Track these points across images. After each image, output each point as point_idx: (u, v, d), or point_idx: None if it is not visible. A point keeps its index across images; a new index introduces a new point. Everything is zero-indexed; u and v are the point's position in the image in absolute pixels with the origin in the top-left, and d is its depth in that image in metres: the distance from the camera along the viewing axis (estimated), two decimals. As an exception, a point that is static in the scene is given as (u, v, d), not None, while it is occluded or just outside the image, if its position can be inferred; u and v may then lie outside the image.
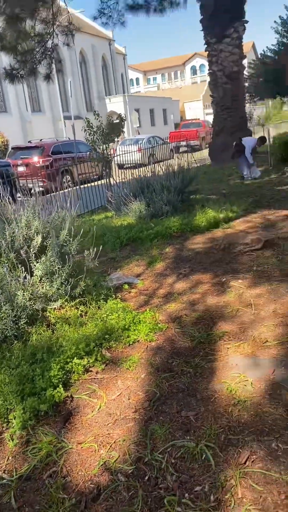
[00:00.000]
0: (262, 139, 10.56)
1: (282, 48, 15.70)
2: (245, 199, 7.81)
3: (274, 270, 4.17)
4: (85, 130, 9.59)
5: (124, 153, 13.76)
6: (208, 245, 5.33)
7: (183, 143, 22.64)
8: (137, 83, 69.28)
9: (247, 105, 18.64)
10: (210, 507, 1.84)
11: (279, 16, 16.03)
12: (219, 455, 2.10)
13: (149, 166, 12.05)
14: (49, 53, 10.74)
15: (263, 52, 17.45)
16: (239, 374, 2.69)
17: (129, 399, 2.64)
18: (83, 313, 3.61)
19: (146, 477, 2.06)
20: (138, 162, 15.81)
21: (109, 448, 2.28)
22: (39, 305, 3.41)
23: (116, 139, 10.30)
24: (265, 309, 3.45)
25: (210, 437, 2.22)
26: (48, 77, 11.40)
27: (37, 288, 3.48)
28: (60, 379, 2.78)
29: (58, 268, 3.49)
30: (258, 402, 2.41)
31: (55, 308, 3.56)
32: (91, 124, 9.55)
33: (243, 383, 2.59)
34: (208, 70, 15.19)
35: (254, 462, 2.03)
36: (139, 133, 34.06)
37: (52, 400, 2.63)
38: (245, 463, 2.03)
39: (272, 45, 16.81)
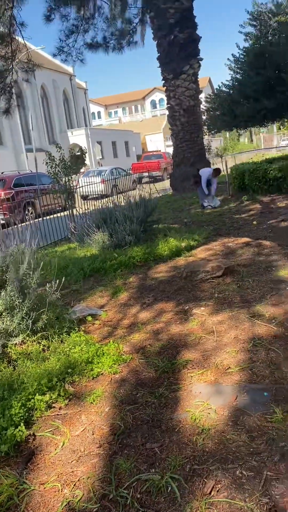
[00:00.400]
0: (216, 171, 10.91)
1: (236, 83, 16.50)
2: (206, 227, 8.01)
3: (235, 297, 4.26)
4: (46, 163, 9.65)
5: (88, 185, 13.89)
6: (171, 273, 5.40)
7: (146, 174, 23.10)
8: (99, 116, 70.63)
9: (205, 137, 19.31)
10: None
11: (232, 54, 16.87)
12: (184, 487, 2.08)
13: (112, 197, 12.19)
14: (8, 88, 10.85)
15: (218, 87, 18.27)
16: (202, 402, 2.70)
17: (93, 434, 2.59)
18: (45, 348, 3.55)
19: (111, 515, 2.01)
20: (102, 193, 15.98)
21: (73, 487, 2.21)
22: (0, 341, 3.33)
23: (80, 171, 10.39)
24: (227, 335, 3.50)
25: (175, 468, 2.20)
26: (7, 112, 11.47)
27: (-3, 323, 3.40)
28: (22, 417, 2.70)
29: (19, 302, 3.44)
30: (222, 430, 2.42)
31: (16, 344, 3.48)
32: (52, 157, 9.63)
33: (207, 411, 2.60)
34: (167, 104, 15.75)
35: (219, 491, 2.03)
36: (101, 165, 34.52)
37: (13, 440, 2.54)
38: (210, 493, 2.02)
39: (227, 80, 17.61)
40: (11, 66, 10.24)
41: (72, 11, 12.65)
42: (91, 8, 12.99)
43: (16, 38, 10.82)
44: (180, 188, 14.99)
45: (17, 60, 10.50)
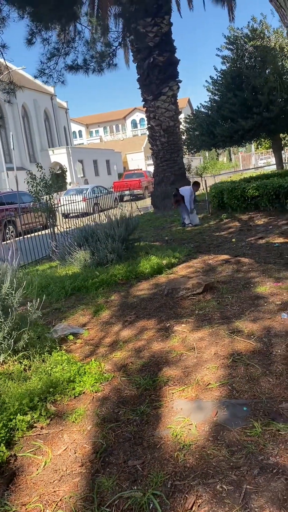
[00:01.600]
0: (196, 184, 11.22)
1: (214, 104, 16.94)
2: (186, 245, 8.12)
3: (215, 313, 4.34)
4: (27, 182, 9.70)
5: (69, 203, 13.94)
6: (152, 291, 5.46)
7: (127, 192, 23.31)
8: (80, 135, 71.18)
9: (185, 156, 19.67)
10: None
11: (210, 76, 17.38)
12: (166, 503, 2.11)
13: (94, 215, 12.26)
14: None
15: (197, 108, 18.70)
16: (183, 418, 2.73)
17: (75, 452, 2.59)
18: (26, 367, 3.54)
19: (94, 534, 2.02)
20: (83, 211, 16.04)
21: (55, 507, 2.21)
22: (-19, 361, 3.32)
23: (62, 189, 10.45)
24: (207, 351, 3.56)
25: (157, 485, 2.22)
26: (-11, 131, 11.48)
27: (-22, 343, 3.39)
28: (3, 438, 2.69)
29: (0, 322, 3.44)
30: (203, 445, 2.46)
31: (-3, 364, 3.47)
32: (33, 176, 9.69)
33: (187, 427, 2.64)
34: (147, 124, 16.05)
35: (200, 506, 2.05)
36: (87, 183, 34.69)
37: (-6, 461, 2.53)
38: (191, 508, 2.05)
39: (205, 101, 18.08)
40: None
41: (53, 35, 12.88)
42: (72, 32, 13.25)
43: (-2, 60, 10.98)
44: (161, 206, 15.18)
45: (-2, 81, 10.62)
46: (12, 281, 3.58)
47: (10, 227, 14.36)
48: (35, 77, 13.41)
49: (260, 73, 15.66)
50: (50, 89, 43.80)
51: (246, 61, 16.83)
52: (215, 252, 7.15)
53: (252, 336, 3.68)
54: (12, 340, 3.45)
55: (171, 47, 15.16)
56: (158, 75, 14.79)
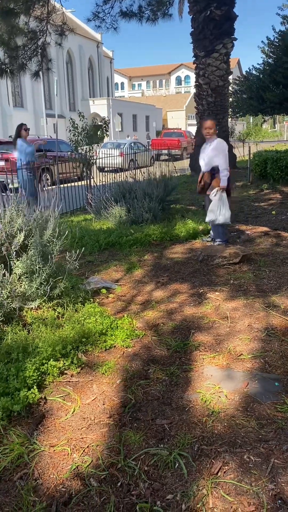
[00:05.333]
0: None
1: (267, 67, 16.08)
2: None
3: (250, 285, 4.26)
4: (69, 131, 9.55)
5: (106, 157, 13.76)
6: (186, 255, 5.40)
7: (165, 151, 22.82)
8: (122, 88, 69.54)
9: (229, 120, 18.98)
10: (181, 516, 1.87)
11: (267, 37, 16.39)
12: (192, 465, 2.13)
13: (130, 172, 12.09)
14: (40, 50, 10.65)
15: (248, 70, 17.81)
16: (213, 385, 2.73)
17: (103, 404, 2.64)
18: (60, 315, 3.59)
19: (119, 483, 2.07)
20: (119, 166, 15.85)
21: (82, 453, 2.27)
22: (16, 304, 3.38)
23: (103, 141, 10.26)
24: (241, 322, 3.52)
25: (183, 446, 2.25)
26: (37, 74, 11.29)
27: (15, 286, 3.44)
28: (35, 380, 2.76)
29: (39, 267, 3.46)
30: (232, 414, 2.46)
31: (32, 308, 3.53)
32: (76, 125, 9.52)
33: (217, 394, 2.64)
34: (195, 82, 15.43)
35: (226, 473, 2.07)
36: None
37: (26, 401, 2.60)
38: (217, 473, 2.07)
39: (258, 64, 17.18)
40: (45, 27, 10.00)
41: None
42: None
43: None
44: (199, 169, 14.84)
45: (51, 21, 10.24)
46: (55, 229, 3.57)
47: (47, 174, 14.33)
48: (88, 20, 12.90)
49: None
50: (97, 36, 42.52)
51: (309, 23, 15.78)
52: (253, 223, 6.98)
53: (288, 313, 3.61)
54: (49, 287, 3.48)
55: (230, 1, 14.27)
56: (213, 30, 14.02)
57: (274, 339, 3.22)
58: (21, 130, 7.98)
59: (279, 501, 1.89)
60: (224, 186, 5.33)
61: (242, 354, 3.06)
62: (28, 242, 3.61)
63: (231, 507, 1.89)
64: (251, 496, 1.93)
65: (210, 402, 2.56)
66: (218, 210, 5.35)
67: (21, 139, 8.01)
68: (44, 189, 8.56)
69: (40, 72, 11.96)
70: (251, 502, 1.91)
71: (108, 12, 12.64)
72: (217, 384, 2.74)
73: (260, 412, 2.46)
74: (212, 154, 5.34)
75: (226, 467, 2.10)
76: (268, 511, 1.85)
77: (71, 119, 9.80)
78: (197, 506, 1.91)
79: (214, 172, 5.43)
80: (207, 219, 5.59)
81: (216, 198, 5.34)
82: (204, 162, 5.51)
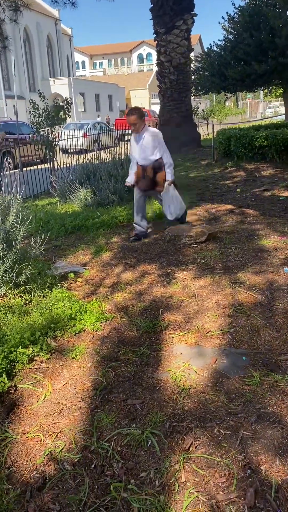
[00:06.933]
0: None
1: (228, 44, 16.00)
2: (189, 192, 7.96)
3: (217, 263, 4.32)
4: (29, 112, 9.28)
5: (69, 138, 13.48)
6: (154, 236, 5.40)
7: (129, 131, 22.58)
8: (83, 67, 67.89)
9: (192, 98, 18.90)
10: (155, 492, 1.91)
11: (227, 13, 16.27)
12: (164, 442, 2.17)
13: (94, 153, 11.90)
14: (-6, 28, 10.21)
15: (209, 47, 17.68)
16: (183, 363, 2.77)
17: (75, 388, 2.64)
18: (27, 302, 3.54)
19: (93, 465, 2.09)
20: (83, 147, 15.57)
21: (54, 438, 2.27)
22: (-19, 293, 3.30)
23: (62, 123, 10.03)
24: (208, 300, 3.57)
25: (155, 424, 2.28)
26: (-8, 53, 10.83)
27: (-21, 275, 3.35)
28: (4, 369, 2.72)
29: (3, 254, 3.38)
30: (202, 390, 2.51)
31: (-2, 296, 3.46)
32: (36, 106, 9.26)
33: (187, 372, 2.68)
34: (156, 60, 15.24)
35: (197, 447, 2.12)
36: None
37: (-5, 390, 2.57)
38: (188, 449, 2.11)
39: (219, 40, 17.07)
40: (-2, 4, 9.57)
41: None
42: None
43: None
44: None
45: (4, -3, 9.81)
46: (17, 214, 3.49)
47: (8, 158, 13.94)
48: (43, -5, 12.42)
49: (280, 14, 14.68)
50: (55, 12, 41.12)
51: (267, -2, 15.73)
52: (219, 201, 7.04)
53: (254, 288, 3.68)
54: (14, 274, 3.42)
55: (190, -25, 14.08)
56: (173, 5, 13.84)
57: (240, 314, 3.28)
58: None
59: (249, 471, 1.95)
60: (173, 179, 5.15)
61: (210, 331, 3.11)
62: (-10, 229, 3.51)
63: (203, 479, 1.95)
64: (222, 468, 1.99)
65: (180, 380, 2.60)
66: (175, 205, 5.20)
67: None
68: (5, 173, 8.33)
69: (1, 52, 11.49)
70: (222, 474, 1.96)
71: (65, -13, 12.19)
72: (187, 361, 2.78)
73: (228, 387, 2.52)
74: (150, 147, 4.97)
75: (197, 442, 2.15)
76: (239, 481, 1.91)
77: (31, 100, 9.53)
78: (170, 481, 1.95)
79: (154, 166, 5.06)
80: (171, 218, 5.29)
81: (169, 193, 5.15)
82: (141, 156, 5.08)
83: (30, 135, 10.62)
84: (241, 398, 2.41)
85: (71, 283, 4.13)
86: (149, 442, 2.18)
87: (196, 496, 1.86)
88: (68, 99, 10.32)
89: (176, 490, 1.90)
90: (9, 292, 3.51)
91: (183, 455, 2.08)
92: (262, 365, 2.68)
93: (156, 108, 17.98)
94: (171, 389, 2.54)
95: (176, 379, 2.62)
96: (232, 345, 2.93)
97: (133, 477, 2.00)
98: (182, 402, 2.43)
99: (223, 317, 3.27)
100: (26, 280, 3.62)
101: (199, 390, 2.51)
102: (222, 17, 17.22)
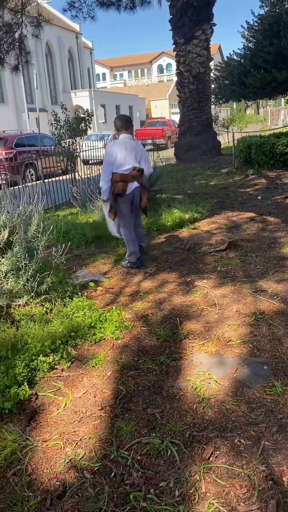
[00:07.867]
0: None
1: (248, 52, 15.98)
2: (210, 200, 7.95)
3: (238, 271, 4.28)
4: (51, 124, 9.44)
5: (90, 149, 13.65)
6: (174, 244, 5.40)
7: (149, 141, 22.71)
8: (104, 79, 68.82)
9: (213, 106, 18.91)
10: (175, 502, 1.89)
11: (246, 21, 16.29)
12: (184, 451, 2.15)
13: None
14: (17, 43, 10.48)
15: (229, 55, 17.70)
16: (203, 372, 2.75)
17: (95, 396, 2.65)
18: (48, 310, 3.58)
19: (112, 474, 2.08)
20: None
21: (75, 446, 2.28)
22: (4, 302, 3.36)
23: (83, 135, 10.16)
24: (229, 309, 3.54)
25: (175, 434, 2.27)
26: (16, 68, 11.11)
27: (1, 284, 3.42)
28: (25, 377, 2.76)
29: (25, 263, 3.44)
30: (222, 400, 2.48)
31: (20, 305, 3.51)
32: (58, 118, 9.41)
33: (207, 381, 2.66)
34: (176, 70, 15.33)
35: (217, 457, 2.09)
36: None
37: (17, 398, 2.60)
38: (209, 458, 2.09)
39: (238, 49, 17.07)
40: (20, 20, 9.82)
41: None
42: None
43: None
44: (184, 158, 14.80)
45: (26, 13, 10.07)
46: (39, 224, 3.55)
47: (31, 169, 14.20)
48: (64, 10, 12.69)
49: (301, 20, 14.61)
50: (76, 26, 41.94)
51: (287, 5, 15.69)
52: (239, 209, 7.00)
53: (275, 297, 3.63)
54: (36, 283, 3.47)
55: (208, -14, 14.17)
56: (192, 16, 13.93)
57: (262, 323, 3.25)
58: None
59: (270, 482, 1.92)
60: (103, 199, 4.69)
61: (231, 340, 3.08)
62: (13, 239, 3.58)
63: (224, 490, 1.92)
64: (243, 479, 1.96)
65: (200, 389, 2.59)
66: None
67: None
68: (27, 184, 8.47)
69: (20, 66, 11.77)
70: (243, 485, 1.94)
71: (84, 1, 12.44)
72: (207, 371, 2.76)
73: (249, 396, 2.48)
74: None
75: (217, 452, 2.12)
76: (260, 492, 1.88)
77: (54, 111, 9.69)
78: (190, 491, 1.93)
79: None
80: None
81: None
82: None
83: (52, 147, 10.81)
84: (262, 408, 2.38)
85: (91, 292, 4.16)
86: (169, 452, 2.16)
87: (217, 507, 1.84)
88: (89, 110, 10.46)
89: (196, 501, 1.88)
90: (31, 301, 3.56)
91: (203, 465, 2.06)
92: (284, 375, 2.64)
93: (176, 118, 18.09)
94: (191, 399, 2.53)
95: (196, 388, 2.60)
96: (253, 354, 2.90)
97: (152, 486, 1.99)
98: (202, 411, 2.41)
99: (244, 326, 3.24)
100: (47, 289, 3.66)
101: (219, 399, 2.49)
102: (242, 26, 17.21)
